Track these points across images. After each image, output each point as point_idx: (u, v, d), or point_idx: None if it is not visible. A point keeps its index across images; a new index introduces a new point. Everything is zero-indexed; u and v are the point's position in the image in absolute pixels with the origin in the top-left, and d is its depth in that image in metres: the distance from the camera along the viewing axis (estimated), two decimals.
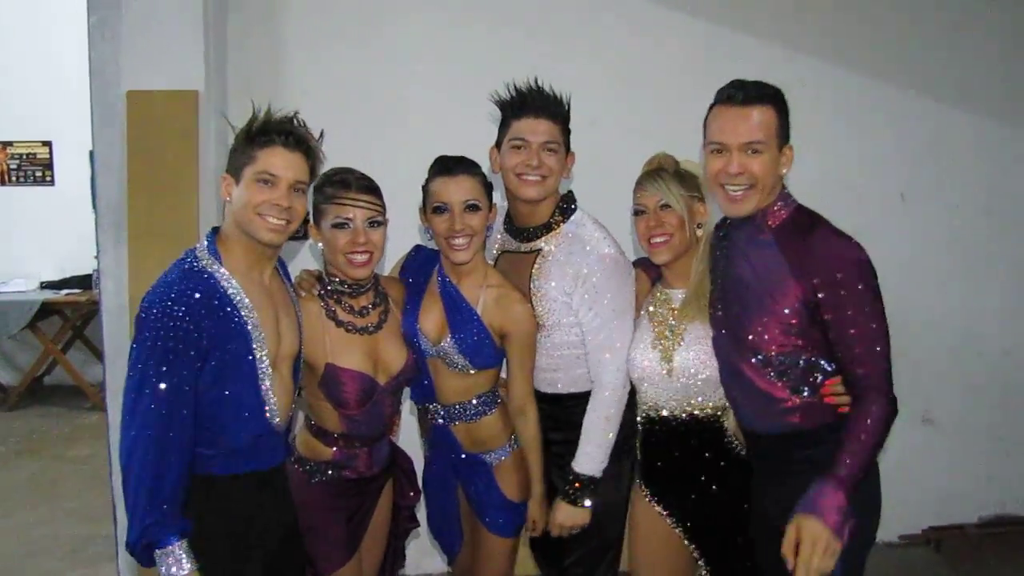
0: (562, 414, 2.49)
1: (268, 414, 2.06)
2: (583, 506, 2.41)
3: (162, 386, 1.87)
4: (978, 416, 4.02)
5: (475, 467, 2.49)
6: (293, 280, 2.36)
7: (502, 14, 3.49)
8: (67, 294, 6.17)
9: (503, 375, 2.53)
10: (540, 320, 2.43)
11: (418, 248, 2.63)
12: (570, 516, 2.42)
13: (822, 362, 2.10)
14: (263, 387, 2.04)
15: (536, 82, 2.42)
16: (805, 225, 2.10)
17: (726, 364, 2.24)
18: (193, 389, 1.92)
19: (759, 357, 2.12)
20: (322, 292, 2.35)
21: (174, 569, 1.89)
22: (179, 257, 2.04)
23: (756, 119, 2.08)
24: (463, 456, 2.49)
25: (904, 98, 3.73)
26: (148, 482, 1.87)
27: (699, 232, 2.36)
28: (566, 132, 2.46)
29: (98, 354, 5.41)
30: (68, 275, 6.34)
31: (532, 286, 2.43)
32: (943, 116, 3.80)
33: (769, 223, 2.13)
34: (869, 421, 1.97)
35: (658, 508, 2.42)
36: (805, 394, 2.11)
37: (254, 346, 2.01)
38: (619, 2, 3.56)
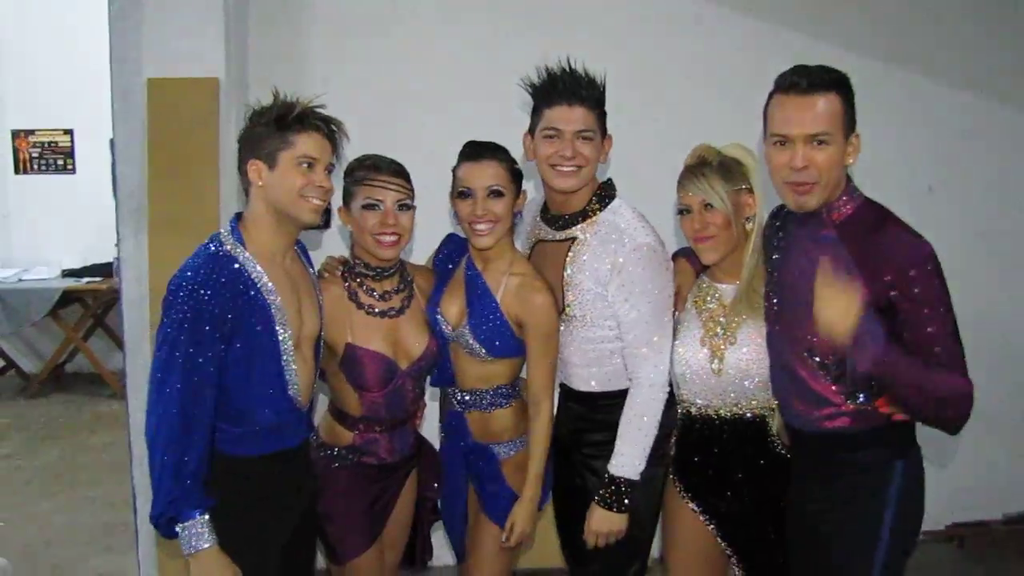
0: (596, 414, 2.42)
1: (292, 392, 2.13)
2: (620, 511, 2.31)
3: (188, 366, 1.96)
4: (1004, 412, 3.96)
5: (483, 457, 2.45)
6: (318, 266, 2.43)
7: (524, 3, 3.46)
8: (88, 282, 6.21)
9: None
10: (572, 311, 2.36)
11: (451, 236, 2.62)
12: (606, 522, 2.32)
13: None
14: (286, 366, 2.10)
15: (569, 64, 2.34)
16: (871, 221, 2.00)
17: (779, 361, 2.17)
18: (217, 369, 2.00)
19: (816, 358, 2.05)
20: (346, 274, 2.38)
21: (195, 542, 1.98)
22: (203, 242, 2.10)
23: (821, 108, 1.96)
24: (471, 444, 2.46)
25: (935, 90, 3.67)
26: (173, 458, 1.95)
27: (748, 226, 2.27)
28: (602, 116, 2.37)
29: (119, 342, 5.43)
30: (89, 263, 6.39)
31: (565, 274, 2.36)
32: (974, 108, 3.74)
33: (833, 218, 2.03)
34: (951, 385, 1.92)
35: (692, 505, 2.37)
36: (860, 400, 2.03)
37: (277, 327, 2.07)
38: None
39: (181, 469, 1.95)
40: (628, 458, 2.31)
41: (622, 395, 2.37)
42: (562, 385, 2.52)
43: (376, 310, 2.36)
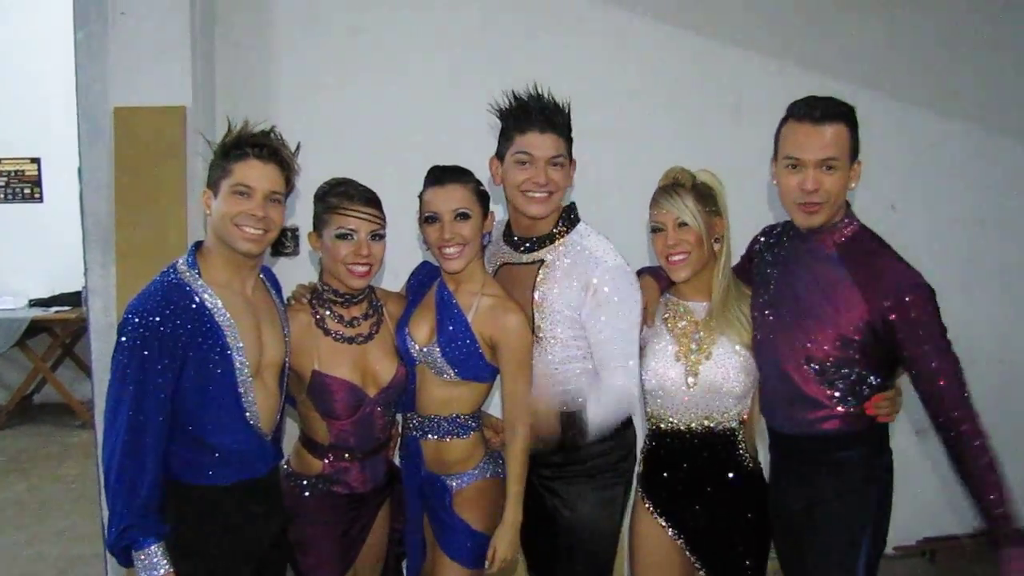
0: (559, 436, 2.41)
1: (251, 420, 2.11)
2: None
3: (138, 395, 1.95)
4: None
5: (435, 488, 2.43)
6: (289, 293, 2.43)
7: (492, 22, 3.49)
8: (56, 312, 6.14)
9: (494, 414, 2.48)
10: (541, 333, 2.38)
11: (424, 263, 2.62)
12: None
13: (871, 376, 2.17)
14: (244, 394, 2.09)
15: (537, 90, 2.37)
16: (869, 246, 2.18)
17: (772, 367, 2.27)
18: (169, 397, 1.98)
19: (814, 365, 2.18)
20: (313, 301, 2.37)
21: (150, 571, 1.97)
22: (162, 270, 2.10)
23: (831, 136, 2.12)
24: (424, 475, 2.45)
25: (895, 108, 3.74)
26: (126, 486, 1.96)
27: (717, 246, 2.34)
28: (570, 143, 2.41)
29: (87, 372, 5.36)
30: (57, 292, 6.33)
31: (535, 296, 2.38)
32: (934, 126, 3.82)
33: (835, 238, 2.19)
34: (983, 449, 2.08)
35: (660, 520, 2.40)
36: (850, 403, 2.18)
37: (233, 355, 2.05)
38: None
39: (133, 497, 1.95)
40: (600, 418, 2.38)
41: (579, 417, 2.38)
42: None
43: (344, 336, 2.35)
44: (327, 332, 2.34)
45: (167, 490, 2.03)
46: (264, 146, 2.09)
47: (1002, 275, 3.99)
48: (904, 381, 2.24)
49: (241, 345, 2.07)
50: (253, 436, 2.13)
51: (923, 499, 3.91)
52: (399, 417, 2.55)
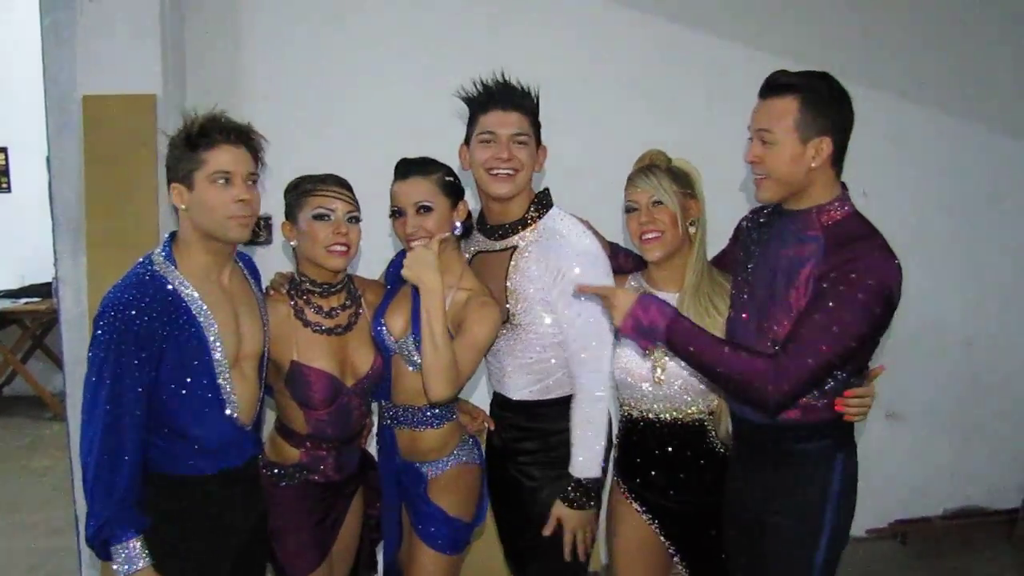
0: (530, 422, 2.44)
1: (229, 410, 2.10)
2: (591, 508, 2.36)
3: (115, 388, 1.94)
4: (942, 409, 4.08)
5: (410, 475, 2.43)
6: (267, 282, 2.41)
7: (466, 9, 3.48)
8: (26, 303, 6.09)
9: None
10: (516, 320, 2.38)
11: (402, 252, 2.56)
12: (579, 519, 2.35)
13: (837, 371, 2.04)
14: (222, 385, 2.07)
15: (503, 75, 2.38)
16: (856, 233, 2.04)
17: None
18: (147, 390, 1.97)
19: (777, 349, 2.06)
20: (292, 292, 2.36)
21: (129, 565, 1.96)
22: (137, 262, 2.08)
23: (771, 109, 2.06)
24: (398, 463, 2.45)
25: (868, 96, 3.73)
26: (103, 479, 1.94)
27: (692, 230, 2.33)
28: (536, 125, 2.41)
29: (59, 363, 5.32)
30: (27, 283, 6.27)
31: (508, 284, 2.37)
32: (903, 114, 3.86)
33: (822, 220, 2.07)
34: (734, 365, 1.96)
35: (635, 505, 2.42)
36: (812, 395, 2.07)
37: (210, 345, 2.04)
38: None
39: (112, 490, 1.93)
40: (587, 461, 2.34)
41: (556, 404, 2.41)
42: (496, 395, 2.54)
43: (323, 327, 2.34)
44: (306, 323, 2.33)
45: (146, 482, 2.01)
46: (231, 130, 2.07)
47: (967, 263, 4.06)
48: (877, 382, 2.20)
49: (219, 336, 2.05)
50: (232, 427, 2.12)
51: (894, 482, 3.97)
52: (374, 406, 2.55)
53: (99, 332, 1.96)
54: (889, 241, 2.06)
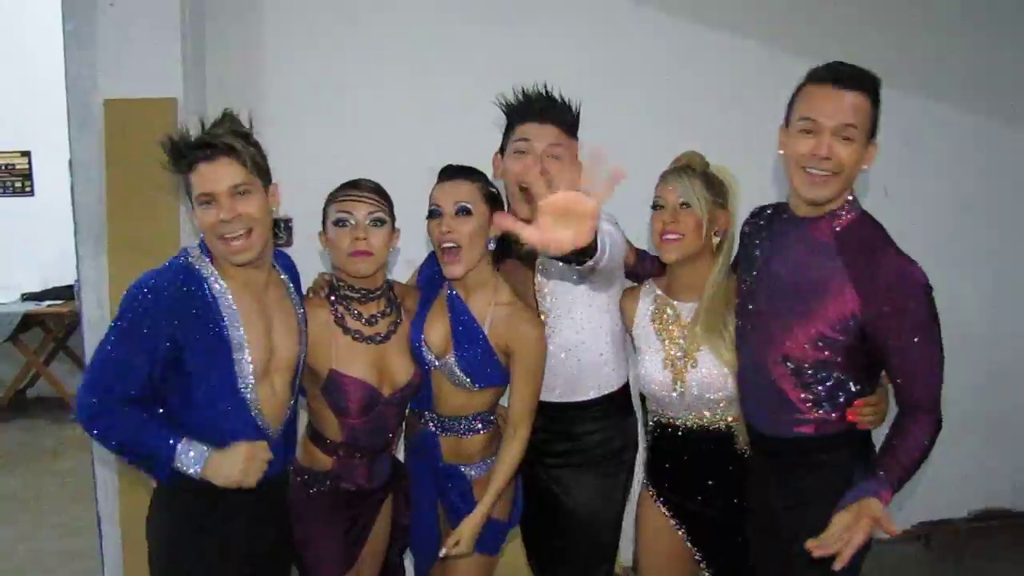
0: (556, 425, 2.44)
1: (257, 421, 2.06)
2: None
3: (125, 337, 1.93)
4: (964, 410, 4.02)
5: (453, 478, 2.42)
6: (311, 283, 2.38)
7: (486, 10, 3.46)
8: (49, 305, 6.12)
9: (504, 402, 2.46)
10: (545, 317, 2.37)
11: (433, 254, 2.53)
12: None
13: (850, 383, 2.06)
14: (247, 396, 2.03)
15: (545, 87, 2.35)
16: (870, 239, 2.02)
17: (750, 359, 2.18)
18: (155, 358, 1.94)
19: (790, 364, 2.06)
20: (332, 297, 2.33)
21: (193, 463, 1.95)
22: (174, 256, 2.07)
23: (852, 103, 1.97)
24: (440, 465, 2.43)
25: (884, 94, 3.72)
26: (102, 380, 1.95)
27: (716, 240, 2.28)
28: (573, 139, 2.37)
29: (81, 365, 5.35)
30: (50, 286, 6.29)
31: (536, 282, 2.38)
32: (923, 111, 3.82)
33: (833, 225, 2.04)
34: (925, 442, 1.99)
35: (663, 509, 2.40)
36: (824, 409, 2.07)
37: (232, 346, 2.00)
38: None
39: (109, 393, 1.93)
40: None
41: (581, 407, 2.40)
42: None
43: (363, 335, 2.30)
44: (346, 330, 2.29)
45: (175, 486, 2.01)
46: (204, 145, 1.98)
47: (988, 260, 4.02)
48: (891, 388, 2.16)
49: (244, 341, 2.01)
50: (260, 439, 2.07)
51: (917, 483, 3.92)
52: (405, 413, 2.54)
53: (119, 310, 1.96)
54: (908, 239, 2.04)
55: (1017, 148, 4.01)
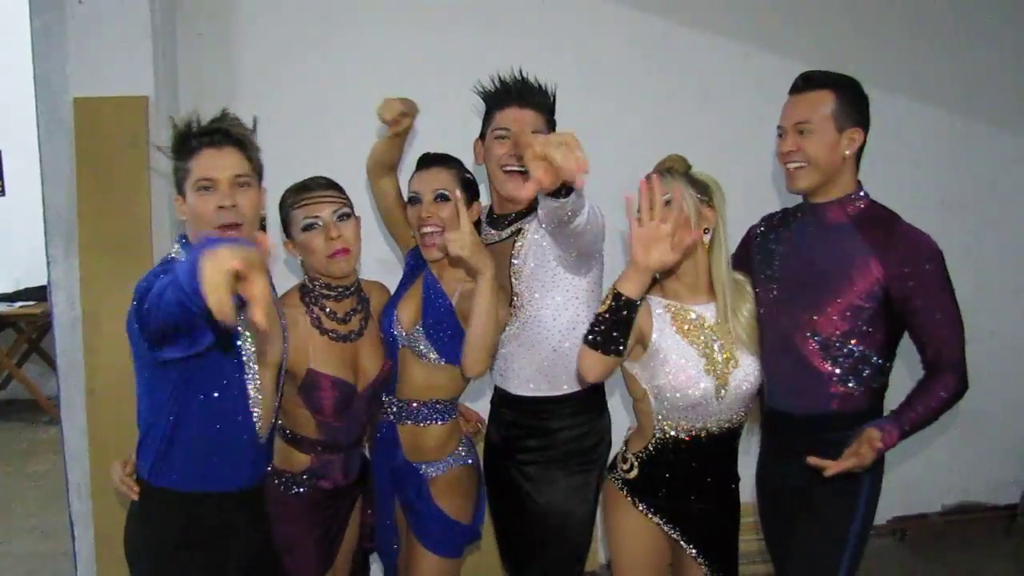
0: (528, 420, 2.43)
1: (255, 419, 2.05)
2: None
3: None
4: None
5: (410, 476, 2.43)
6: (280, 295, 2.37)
7: (463, 7, 3.46)
8: (21, 306, 6.08)
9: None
10: (520, 301, 2.38)
11: (417, 248, 2.53)
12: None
13: (874, 357, 2.21)
14: (249, 390, 2.02)
15: (521, 73, 2.40)
16: (884, 217, 2.24)
17: (779, 340, 2.28)
18: None
19: (818, 339, 2.21)
20: (307, 300, 2.33)
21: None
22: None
23: (808, 102, 2.23)
24: (400, 463, 2.44)
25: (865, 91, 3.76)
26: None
27: (706, 238, 2.25)
28: (551, 124, 2.42)
29: (54, 367, 5.30)
30: (22, 287, 6.24)
31: (513, 265, 2.38)
32: (901, 111, 3.84)
33: (848, 210, 2.25)
34: (943, 394, 2.17)
35: (655, 518, 2.32)
36: (850, 384, 2.22)
37: (240, 343, 1.99)
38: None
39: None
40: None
41: (556, 402, 2.40)
42: (497, 390, 2.54)
43: (338, 334, 2.32)
44: (323, 331, 2.31)
45: (159, 499, 1.99)
46: (213, 132, 2.00)
47: (967, 258, 4.03)
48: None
49: (249, 339, 2.00)
50: (253, 439, 2.06)
51: (892, 478, 3.94)
52: None
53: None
54: None
55: (996, 146, 4.04)
